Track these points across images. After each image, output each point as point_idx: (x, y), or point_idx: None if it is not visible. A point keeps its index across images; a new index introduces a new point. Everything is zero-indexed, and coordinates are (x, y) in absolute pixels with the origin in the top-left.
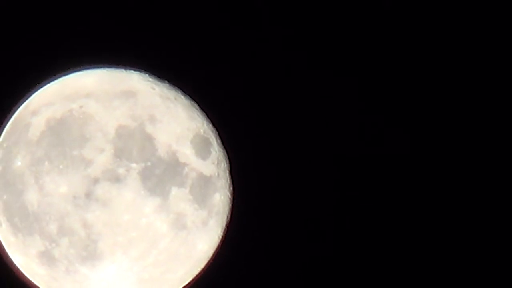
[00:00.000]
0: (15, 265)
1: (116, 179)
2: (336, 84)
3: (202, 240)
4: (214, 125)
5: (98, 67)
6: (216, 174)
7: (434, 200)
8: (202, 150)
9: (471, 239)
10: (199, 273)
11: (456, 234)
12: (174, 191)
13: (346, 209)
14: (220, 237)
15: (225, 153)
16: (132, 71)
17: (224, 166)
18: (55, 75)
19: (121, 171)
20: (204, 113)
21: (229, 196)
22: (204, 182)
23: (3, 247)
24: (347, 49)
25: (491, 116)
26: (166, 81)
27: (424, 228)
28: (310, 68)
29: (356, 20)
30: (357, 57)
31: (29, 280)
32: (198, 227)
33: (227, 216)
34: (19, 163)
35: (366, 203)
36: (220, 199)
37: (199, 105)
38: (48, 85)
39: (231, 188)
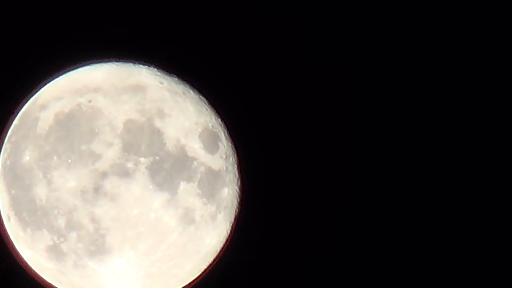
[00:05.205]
0: (23, 259)
1: (125, 174)
2: (343, 80)
3: (211, 234)
4: (222, 119)
5: (106, 62)
6: (225, 168)
7: (435, 200)
8: (210, 145)
9: (471, 240)
10: (207, 268)
11: (456, 234)
12: (183, 185)
13: (350, 205)
14: (229, 231)
15: (234, 148)
16: (141, 66)
17: (232, 160)
18: (63, 70)
19: (129, 165)
20: (213, 108)
21: (238, 190)
22: (212, 177)
23: (11, 241)
24: (355, 48)
25: (491, 116)
26: (174, 76)
27: (428, 229)
28: (318, 64)
29: (365, 24)
30: (363, 57)
31: (38, 275)
32: (207, 222)
33: (236, 211)
34: (27, 158)
35: (374, 194)
36: (229, 193)
37: (207, 99)
38: (57, 79)
39: (239, 182)
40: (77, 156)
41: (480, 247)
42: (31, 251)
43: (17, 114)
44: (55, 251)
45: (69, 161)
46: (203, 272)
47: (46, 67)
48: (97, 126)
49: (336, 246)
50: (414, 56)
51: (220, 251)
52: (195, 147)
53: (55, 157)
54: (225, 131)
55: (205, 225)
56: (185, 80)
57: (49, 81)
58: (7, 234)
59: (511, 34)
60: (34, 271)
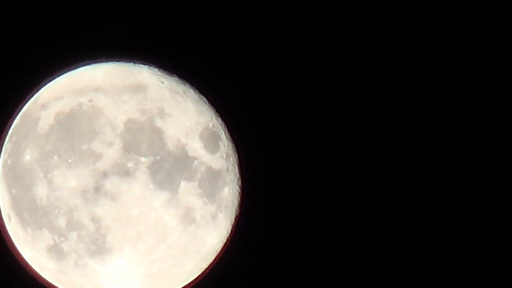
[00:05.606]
0: (24, 259)
1: (125, 173)
2: (343, 80)
3: (211, 234)
4: (223, 119)
5: (107, 61)
6: (225, 168)
7: (434, 200)
8: (211, 144)
9: (471, 240)
10: (208, 267)
11: (455, 233)
12: (183, 185)
13: (350, 205)
14: (229, 231)
15: (234, 147)
16: (141, 65)
17: (233, 160)
18: (64, 69)
19: (130, 165)
20: (213, 107)
21: (238, 190)
22: (213, 176)
23: (12, 241)
24: (355, 48)
25: (491, 117)
26: (175, 75)
27: (428, 229)
28: (318, 64)
29: (365, 24)
30: (363, 57)
31: (38, 274)
32: (207, 221)
33: (236, 210)
34: (28, 157)
35: (374, 194)
36: (229, 193)
37: (208, 99)
38: (57, 79)
39: (240, 182)
40: (78, 156)
41: (479, 247)
42: (32, 251)
43: (17, 114)
44: (55, 251)
45: (70, 160)
46: (203, 272)
47: (46, 67)
48: (98, 126)
49: (336, 246)
50: (414, 56)
51: (221, 251)
52: (196, 147)
53: (55, 157)
54: (226, 130)
55: (206, 224)
56: (185, 80)
57: (50, 81)
58: (8, 233)
59: (511, 34)
60: (34, 270)
